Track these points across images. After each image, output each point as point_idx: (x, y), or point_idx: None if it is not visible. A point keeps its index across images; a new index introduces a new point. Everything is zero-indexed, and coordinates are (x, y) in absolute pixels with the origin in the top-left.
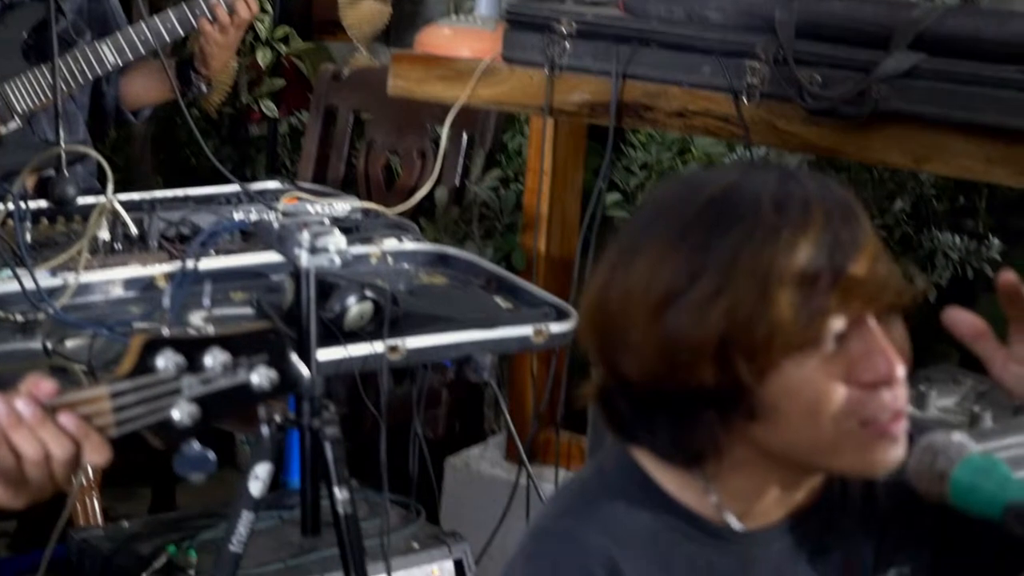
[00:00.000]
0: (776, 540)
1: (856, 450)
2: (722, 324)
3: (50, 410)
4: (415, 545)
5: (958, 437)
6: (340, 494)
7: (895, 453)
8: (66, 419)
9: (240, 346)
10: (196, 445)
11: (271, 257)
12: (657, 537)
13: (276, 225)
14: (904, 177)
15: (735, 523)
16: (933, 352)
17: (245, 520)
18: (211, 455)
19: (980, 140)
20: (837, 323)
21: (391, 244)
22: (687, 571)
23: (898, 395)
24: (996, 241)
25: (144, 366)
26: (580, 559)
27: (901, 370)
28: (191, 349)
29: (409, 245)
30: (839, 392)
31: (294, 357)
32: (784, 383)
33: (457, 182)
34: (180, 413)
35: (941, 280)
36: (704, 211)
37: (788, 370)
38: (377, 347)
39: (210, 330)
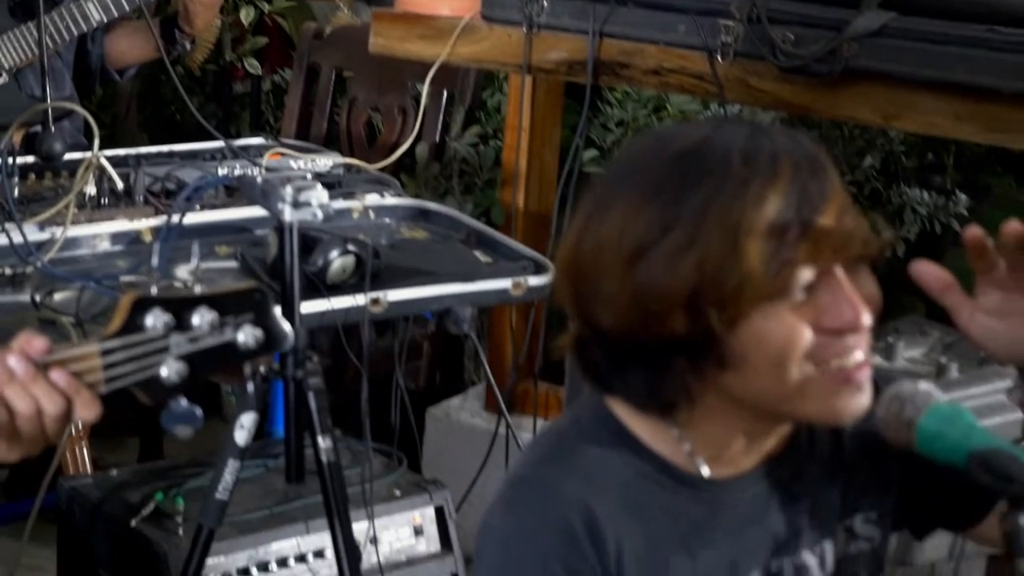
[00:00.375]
0: (746, 487)
1: (822, 397)
2: (693, 275)
3: (42, 367)
4: (397, 492)
5: (925, 386)
6: (323, 443)
7: (860, 401)
8: (57, 376)
9: (227, 305)
10: (183, 401)
11: (255, 212)
12: (631, 484)
13: (260, 180)
14: (874, 134)
15: (706, 471)
16: (901, 304)
17: (231, 468)
18: (198, 411)
19: (949, 97)
20: (806, 274)
21: (373, 199)
22: (660, 517)
23: (862, 341)
24: (963, 197)
25: (133, 324)
26: (557, 506)
27: (867, 318)
28: (179, 308)
29: (390, 200)
30: (805, 337)
31: (279, 316)
32: (753, 332)
33: (437, 138)
34: (168, 370)
35: (910, 235)
36: (676, 165)
37: (757, 320)
38: (359, 300)
39: (198, 290)
